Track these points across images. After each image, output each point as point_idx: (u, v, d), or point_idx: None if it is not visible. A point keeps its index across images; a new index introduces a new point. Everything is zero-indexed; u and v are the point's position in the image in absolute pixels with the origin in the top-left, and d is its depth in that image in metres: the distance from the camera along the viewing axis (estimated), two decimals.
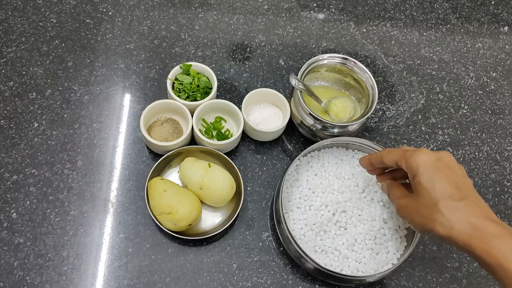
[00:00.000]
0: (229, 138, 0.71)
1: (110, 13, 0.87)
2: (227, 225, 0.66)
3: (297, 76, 0.71)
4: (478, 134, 0.83)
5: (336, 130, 0.72)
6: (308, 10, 0.92)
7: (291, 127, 0.77)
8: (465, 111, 0.85)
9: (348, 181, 0.68)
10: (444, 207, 0.47)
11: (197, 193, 0.67)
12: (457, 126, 0.83)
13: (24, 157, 0.71)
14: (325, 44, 0.89)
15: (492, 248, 0.43)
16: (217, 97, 0.78)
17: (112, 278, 0.65)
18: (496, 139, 0.83)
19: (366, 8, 0.94)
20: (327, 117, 0.75)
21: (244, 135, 0.76)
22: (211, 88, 0.74)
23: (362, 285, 0.67)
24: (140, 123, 0.69)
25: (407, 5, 0.96)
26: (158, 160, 0.69)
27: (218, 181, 0.66)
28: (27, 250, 0.65)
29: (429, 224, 0.48)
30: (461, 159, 0.80)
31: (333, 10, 0.93)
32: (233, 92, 0.81)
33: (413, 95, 0.85)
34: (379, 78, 0.86)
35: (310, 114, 0.70)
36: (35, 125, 0.74)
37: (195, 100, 0.73)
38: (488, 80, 0.89)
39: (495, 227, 0.45)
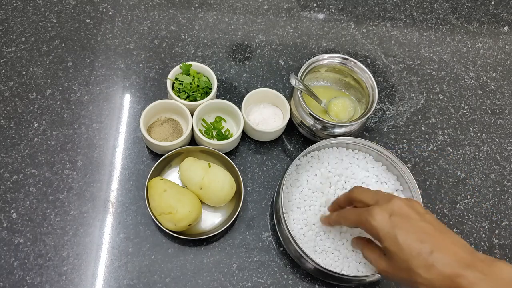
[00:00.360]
0: (229, 138, 0.71)
1: (110, 13, 0.87)
2: (227, 225, 0.66)
3: (297, 76, 0.71)
4: (478, 134, 0.83)
5: (336, 130, 0.72)
6: (308, 10, 0.92)
7: (291, 127, 0.77)
8: (465, 111, 0.85)
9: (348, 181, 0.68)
10: (419, 268, 0.48)
11: (197, 193, 0.67)
12: (457, 126, 0.83)
13: (24, 157, 0.71)
14: (325, 44, 0.89)
15: None
16: (217, 97, 0.78)
17: (112, 278, 0.65)
18: (496, 139, 0.83)
19: (366, 8, 0.94)
20: (327, 117, 0.75)
21: (244, 135, 0.76)
22: (211, 88, 0.74)
23: (362, 285, 0.67)
24: (140, 123, 0.69)
25: (407, 5, 0.96)
26: (158, 160, 0.69)
27: (218, 181, 0.66)
28: (27, 250, 0.65)
29: (414, 286, 0.50)
30: (461, 159, 0.80)
31: (333, 10, 0.93)
32: (233, 92, 0.81)
33: (413, 95, 0.85)
34: (379, 78, 0.86)
35: (310, 114, 0.70)
36: (35, 125, 0.74)
37: (195, 100, 0.73)
38: (488, 80, 0.89)
39: (469, 274, 0.46)
